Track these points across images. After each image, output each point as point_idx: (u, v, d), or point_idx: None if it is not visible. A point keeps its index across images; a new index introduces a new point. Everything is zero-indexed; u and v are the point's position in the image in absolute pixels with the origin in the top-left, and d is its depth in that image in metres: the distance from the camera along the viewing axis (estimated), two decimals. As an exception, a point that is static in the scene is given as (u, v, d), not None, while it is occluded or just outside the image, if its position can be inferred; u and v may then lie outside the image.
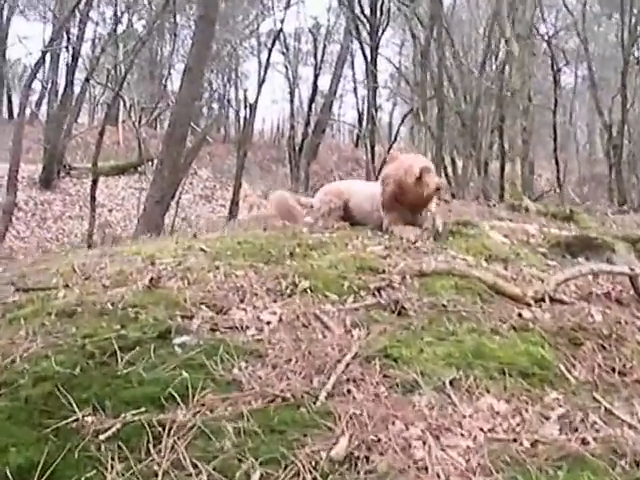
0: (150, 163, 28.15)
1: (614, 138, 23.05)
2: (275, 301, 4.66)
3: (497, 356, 3.99)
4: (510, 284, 4.93)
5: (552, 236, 6.52)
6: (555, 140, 24.07)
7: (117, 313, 4.44)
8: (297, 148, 32.36)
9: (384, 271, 5.03)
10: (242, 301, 4.64)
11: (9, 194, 22.12)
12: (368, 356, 3.89)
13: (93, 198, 20.84)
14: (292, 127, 34.37)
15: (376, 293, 4.71)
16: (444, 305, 4.52)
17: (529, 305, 4.77)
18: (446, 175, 22.93)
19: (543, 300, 4.83)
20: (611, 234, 6.71)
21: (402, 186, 6.32)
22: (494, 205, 10.34)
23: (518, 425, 3.49)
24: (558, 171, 22.88)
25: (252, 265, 5.32)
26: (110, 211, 26.96)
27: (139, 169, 29.08)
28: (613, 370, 4.08)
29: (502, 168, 21.42)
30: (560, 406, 3.68)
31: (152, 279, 4.79)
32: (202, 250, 5.78)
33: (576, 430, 3.47)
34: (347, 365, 3.80)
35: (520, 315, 4.48)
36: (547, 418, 3.56)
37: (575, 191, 25.10)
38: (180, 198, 20.88)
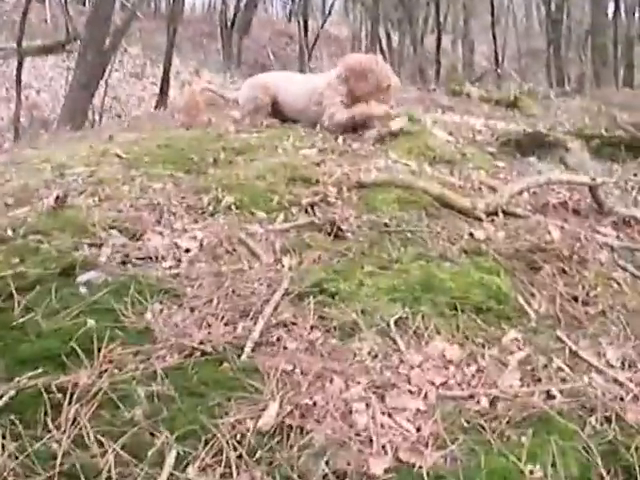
0: (78, 42, 26.62)
1: (553, 13, 22.27)
2: (196, 221, 4.06)
3: (448, 288, 3.48)
4: (459, 196, 4.37)
5: (500, 132, 5.94)
6: (492, 14, 23.14)
7: (16, 242, 3.75)
8: (229, 23, 30.83)
9: (318, 181, 4.43)
10: (159, 222, 4.03)
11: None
12: (301, 292, 3.34)
13: (19, 81, 19.55)
14: (224, 1, 32.72)
15: (309, 210, 4.10)
16: (386, 224, 3.97)
17: (480, 220, 4.23)
18: (381, 51, 22.00)
19: (496, 214, 4.27)
20: (562, 130, 6.13)
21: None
22: (434, 89, 9.68)
23: (474, 376, 3.01)
24: (496, 48, 22.03)
25: (172, 175, 4.68)
26: (38, 92, 25.45)
27: (67, 48, 27.45)
28: (575, 299, 3.61)
29: (438, 43, 20.58)
30: (520, 349, 3.20)
31: (58, 198, 4.11)
32: (118, 156, 5.07)
33: (539, 380, 3.01)
34: (276, 306, 3.20)
35: (472, 235, 3.94)
36: (506, 365, 3.05)
37: (511, 66, 24.34)
38: (109, 77, 19.69)
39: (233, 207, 4.16)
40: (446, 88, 9.40)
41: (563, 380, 3.01)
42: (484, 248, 3.85)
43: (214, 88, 6.68)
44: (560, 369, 3.08)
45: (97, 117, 19.83)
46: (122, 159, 5.05)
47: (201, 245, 3.77)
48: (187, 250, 3.74)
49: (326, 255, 3.67)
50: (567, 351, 3.19)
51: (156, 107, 20.16)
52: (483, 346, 3.17)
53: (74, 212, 4.06)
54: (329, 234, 3.84)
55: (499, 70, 18.93)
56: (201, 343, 2.98)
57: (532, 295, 3.60)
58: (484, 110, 7.81)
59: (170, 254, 3.67)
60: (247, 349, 2.96)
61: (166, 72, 21.41)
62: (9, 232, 3.87)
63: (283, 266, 3.60)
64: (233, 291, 3.34)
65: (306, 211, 4.12)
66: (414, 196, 4.27)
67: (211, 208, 4.16)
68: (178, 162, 4.91)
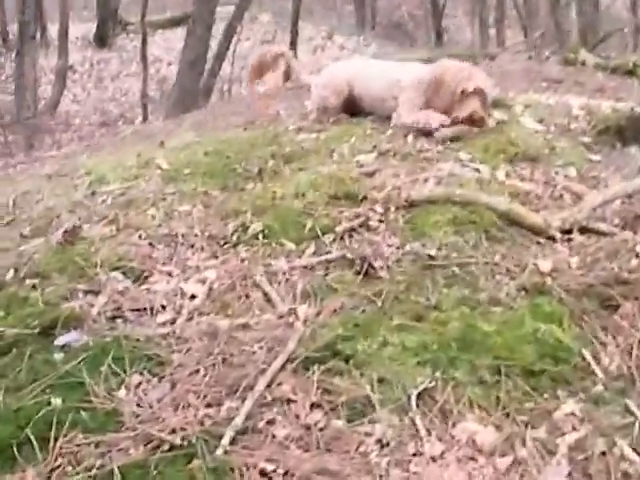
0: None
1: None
2: (215, 256, 3.51)
3: (492, 345, 2.79)
4: (530, 211, 3.60)
5: (601, 117, 5.03)
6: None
7: (10, 289, 3.31)
8: (362, -17, 29.89)
9: (365, 198, 3.75)
10: (171, 259, 3.47)
11: (60, 57, 21.05)
12: (308, 357, 2.70)
13: (144, 55, 19.53)
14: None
15: (345, 238, 3.42)
16: (431, 256, 3.26)
17: (554, 240, 3.45)
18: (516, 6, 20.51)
19: (573, 231, 3.48)
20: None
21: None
22: (547, 58, 8.66)
23: (508, 471, 2.33)
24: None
25: (206, 193, 4.15)
26: (169, 65, 25.55)
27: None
28: None
29: None
30: (575, 428, 2.45)
31: (66, 232, 3.63)
32: (159, 168, 4.53)
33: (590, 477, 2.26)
34: (274, 377, 2.59)
35: (536, 267, 3.15)
36: (552, 453, 2.36)
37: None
38: (237, 47, 19.31)
39: (260, 236, 3.55)
40: (560, 58, 8.35)
41: (625, 475, 2.27)
42: (549, 283, 3.08)
43: (293, 64, 5.87)
44: (623, 458, 2.33)
45: (226, 87, 19.60)
46: (163, 171, 4.51)
47: (210, 289, 3.19)
48: (192, 297, 3.18)
49: (351, 302, 3.02)
50: (637, 428, 2.42)
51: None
52: (527, 425, 2.46)
53: (83, 247, 3.60)
54: (359, 272, 3.15)
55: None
56: (173, 432, 2.42)
57: (604, 346, 2.83)
58: (597, 81, 6.81)
59: (171, 303, 3.15)
60: (225, 440, 2.39)
61: (293, 39, 20.93)
62: (9, 274, 3.42)
63: (297, 317, 2.96)
64: (224, 359, 2.77)
65: (342, 238, 3.44)
66: (475, 214, 3.54)
67: (235, 238, 3.59)
68: (219, 175, 4.35)
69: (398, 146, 4.50)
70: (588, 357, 2.78)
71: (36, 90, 19.68)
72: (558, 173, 4.31)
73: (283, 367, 2.70)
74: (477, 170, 4.09)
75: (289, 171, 4.24)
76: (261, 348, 2.81)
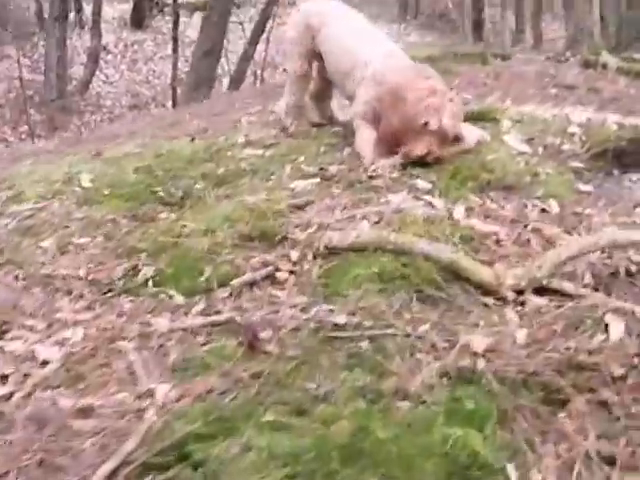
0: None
1: None
2: (92, 307, 2.84)
3: (384, 457, 2.11)
4: (478, 264, 2.91)
5: (600, 136, 4.29)
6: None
7: None
8: (407, -31, 29.03)
9: (284, 239, 3.08)
10: (41, 308, 2.82)
11: (93, 38, 20.68)
12: (147, 462, 2.09)
13: (175, 39, 19.01)
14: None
15: (244, 293, 2.78)
16: (338, 325, 2.57)
17: (505, 301, 2.77)
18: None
19: (532, 291, 2.81)
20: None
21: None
22: (566, 60, 7.85)
23: None
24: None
25: (114, 221, 3.50)
26: (206, 47, 25.02)
27: (235, 2, 26.85)
28: (612, 462, 2.11)
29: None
30: None
31: None
32: (80, 186, 3.92)
33: None
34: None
35: (469, 344, 2.49)
36: None
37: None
38: (271, 32, 18.68)
39: (150, 283, 2.91)
40: (580, 59, 7.55)
41: None
42: (481, 368, 2.40)
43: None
44: None
45: (259, 72, 18.95)
46: (83, 189, 3.91)
47: (68, 354, 2.56)
48: (44, 363, 2.54)
49: (223, 384, 2.37)
50: None
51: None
52: None
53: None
54: (244, 344, 2.50)
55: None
56: None
57: (538, 458, 2.15)
58: (615, 88, 6.04)
59: (16, 373, 2.50)
60: None
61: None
62: None
63: (153, 402, 2.32)
64: (42, 460, 2.13)
65: (239, 294, 2.80)
66: (409, 267, 2.86)
67: (122, 284, 2.95)
68: (138, 198, 3.75)
69: (349, 169, 3.81)
70: (513, 476, 2.09)
71: (66, 71, 19.32)
72: (535, 207, 3.60)
73: (114, 474, 2.06)
74: (431, 204, 3.38)
75: (214, 198, 3.60)
76: (94, 445, 2.17)
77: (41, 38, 21.64)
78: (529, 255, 3.10)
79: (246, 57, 15.22)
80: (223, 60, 21.72)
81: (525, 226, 3.38)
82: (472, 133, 4.14)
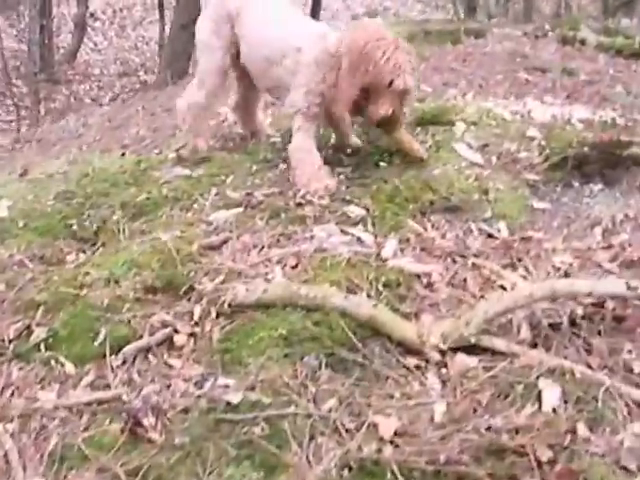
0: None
1: None
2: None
3: None
4: (399, 319, 2.63)
5: (561, 142, 3.98)
6: None
7: None
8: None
9: (191, 290, 2.80)
10: None
11: (79, 5, 20.24)
12: None
13: (161, 4, 18.54)
14: None
15: (138, 362, 2.53)
16: (231, 405, 2.31)
17: (428, 363, 2.51)
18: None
19: (458, 350, 2.55)
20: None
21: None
22: (544, 35, 7.44)
23: None
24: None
25: (21, 264, 3.23)
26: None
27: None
28: None
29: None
30: None
31: None
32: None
33: None
34: None
35: (375, 432, 2.23)
36: None
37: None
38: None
39: (43, 347, 2.65)
40: (556, 35, 7.16)
41: None
42: (386, 457, 2.14)
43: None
44: None
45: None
46: (-2, 221, 3.63)
47: None
48: None
49: (98, 482, 2.12)
50: None
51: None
52: None
53: None
54: (126, 430, 2.24)
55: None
56: None
57: None
58: (592, 68, 5.70)
59: None
60: None
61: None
62: None
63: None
64: None
65: (133, 361, 2.53)
66: (322, 325, 2.59)
67: (13, 348, 2.68)
68: (52, 232, 3.48)
69: (279, 191, 3.53)
70: None
71: (51, 40, 18.91)
72: (481, 232, 3.32)
73: None
74: (360, 240, 3.09)
75: (128, 233, 3.31)
76: None
77: (27, 7, 21.17)
78: (462, 302, 2.81)
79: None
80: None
81: (464, 262, 3.08)
82: None
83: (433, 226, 3.37)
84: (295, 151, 3.80)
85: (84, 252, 3.30)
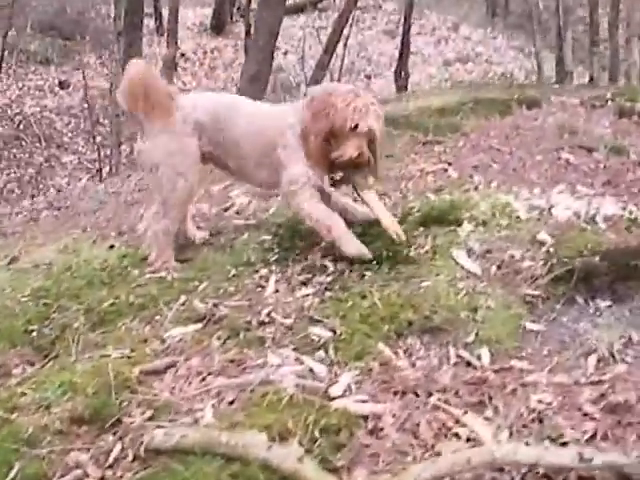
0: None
1: None
2: None
3: None
4: (327, 475, 2.39)
5: (571, 249, 3.68)
6: None
7: None
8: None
9: (118, 423, 2.65)
10: None
11: (169, 46, 20.62)
12: None
13: (246, 47, 18.69)
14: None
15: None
16: None
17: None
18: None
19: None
20: None
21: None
22: (602, 105, 7.04)
23: None
24: None
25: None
26: (285, 54, 24.81)
27: (319, 6, 26.61)
28: None
29: None
30: None
31: None
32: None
33: None
34: None
35: None
36: None
37: None
38: (347, 40, 18.20)
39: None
40: (614, 106, 6.78)
41: None
42: None
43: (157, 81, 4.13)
44: None
45: (336, 76, 18.47)
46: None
47: None
48: None
49: None
50: None
51: (396, 71, 18.51)
52: None
53: None
54: None
55: None
56: None
57: None
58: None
59: None
60: None
61: (405, 31, 19.57)
62: None
63: None
64: None
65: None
66: (240, 478, 2.36)
67: None
68: (12, 336, 3.42)
69: (248, 305, 3.34)
70: None
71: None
72: (458, 360, 3.07)
73: None
74: (312, 371, 2.88)
75: (82, 346, 3.19)
76: None
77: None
78: (407, 454, 2.56)
79: (321, 66, 14.73)
80: (298, 69, 21.48)
81: (427, 398, 2.82)
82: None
83: (406, 351, 3.13)
84: (314, 222, 3.85)
85: (33, 365, 3.17)
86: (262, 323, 3.25)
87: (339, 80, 19.01)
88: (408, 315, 3.29)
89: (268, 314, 3.29)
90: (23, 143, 19.21)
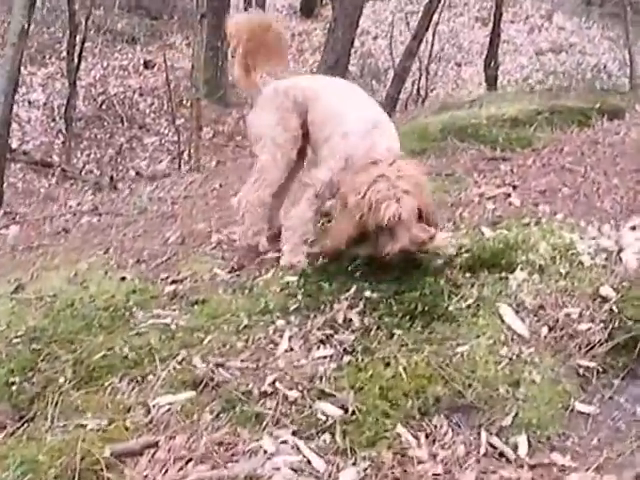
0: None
1: None
2: None
3: None
4: None
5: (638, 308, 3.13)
6: None
7: None
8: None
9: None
10: None
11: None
12: None
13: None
14: None
15: None
16: None
17: None
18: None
19: None
20: None
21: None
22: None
23: None
24: None
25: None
26: (375, 39, 24.32)
27: (409, -9, 25.94)
28: None
29: None
30: None
31: None
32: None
33: None
34: None
35: None
36: None
37: None
38: (437, 26, 17.60)
39: None
40: None
41: None
42: None
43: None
44: None
45: (425, 64, 17.86)
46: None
47: None
48: None
49: None
50: None
51: (486, 60, 17.86)
52: None
53: None
54: None
55: None
56: None
57: None
58: None
59: None
60: None
61: (496, 20, 18.87)
62: None
63: None
64: None
65: None
66: None
67: None
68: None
69: (254, 367, 2.92)
70: None
71: (224, 63, 18.91)
72: (489, 450, 2.58)
73: None
74: (309, 463, 2.42)
75: (60, 409, 2.80)
76: None
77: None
78: None
79: (409, 52, 14.23)
80: (387, 55, 20.90)
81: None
82: None
83: (428, 435, 2.65)
84: (293, 217, 3.84)
85: (4, 428, 2.80)
86: (264, 394, 2.80)
87: (427, 69, 18.38)
88: (437, 389, 2.82)
89: (273, 382, 2.85)
90: (105, 123, 19.13)
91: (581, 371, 2.98)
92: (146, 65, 20.96)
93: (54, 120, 17.97)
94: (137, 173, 17.25)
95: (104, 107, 19.33)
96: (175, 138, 16.74)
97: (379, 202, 3.31)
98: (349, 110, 3.84)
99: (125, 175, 16.88)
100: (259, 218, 4.08)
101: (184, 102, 19.24)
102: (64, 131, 16.99)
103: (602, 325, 3.15)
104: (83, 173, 16.44)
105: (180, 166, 16.04)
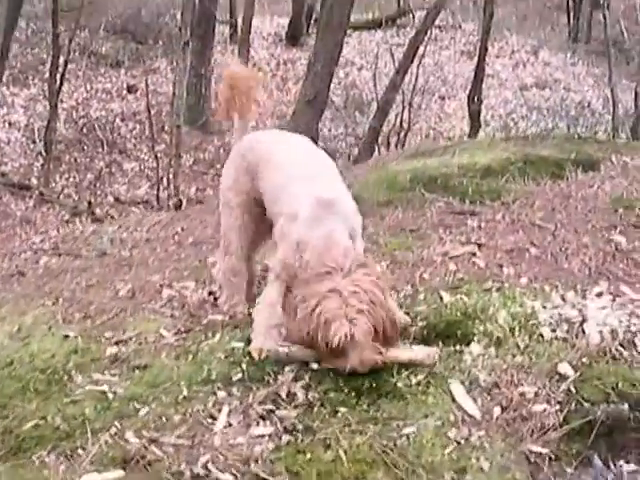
0: (411, 16, 25.17)
1: None
2: None
3: None
4: None
5: (602, 387, 3.02)
6: None
7: None
8: (576, -7, 26.84)
9: None
10: None
11: (240, 55, 20.26)
12: None
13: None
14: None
15: None
16: None
17: None
18: None
19: None
20: None
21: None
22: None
23: None
24: None
25: None
26: (360, 70, 24.34)
27: (397, 22, 26.14)
28: None
29: None
30: None
31: None
32: None
33: None
34: None
35: None
36: None
37: None
38: (422, 58, 17.59)
39: None
40: None
41: None
42: None
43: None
44: None
45: (408, 97, 17.80)
46: None
47: None
48: None
49: None
50: None
51: (469, 95, 17.87)
52: None
53: None
54: None
55: None
56: None
57: None
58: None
59: None
60: None
61: (481, 55, 18.94)
62: None
63: None
64: None
65: None
66: None
67: None
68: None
69: (190, 445, 2.77)
70: None
71: (208, 89, 18.93)
72: None
73: None
74: None
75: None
76: None
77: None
78: None
79: (394, 85, 14.22)
80: (371, 86, 20.87)
81: None
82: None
83: None
84: (259, 302, 3.60)
85: None
86: (196, 477, 2.65)
87: (410, 102, 18.31)
88: (378, 476, 2.68)
89: (205, 464, 2.69)
90: (85, 147, 19.04)
91: (532, 458, 2.85)
92: (129, 89, 20.88)
93: (34, 142, 17.83)
94: (116, 199, 17.12)
95: (85, 131, 19.25)
96: (155, 164, 16.62)
97: (329, 322, 3.06)
98: (300, 187, 3.57)
99: (104, 200, 16.75)
100: (235, 289, 3.96)
101: (166, 128, 19.16)
102: (44, 153, 16.82)
103: (558, 407, 3.03)
104: (61, 197, 16.29)
105: (158, 193, 15.92)
